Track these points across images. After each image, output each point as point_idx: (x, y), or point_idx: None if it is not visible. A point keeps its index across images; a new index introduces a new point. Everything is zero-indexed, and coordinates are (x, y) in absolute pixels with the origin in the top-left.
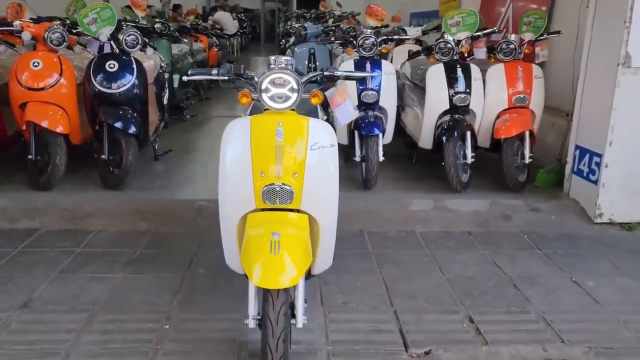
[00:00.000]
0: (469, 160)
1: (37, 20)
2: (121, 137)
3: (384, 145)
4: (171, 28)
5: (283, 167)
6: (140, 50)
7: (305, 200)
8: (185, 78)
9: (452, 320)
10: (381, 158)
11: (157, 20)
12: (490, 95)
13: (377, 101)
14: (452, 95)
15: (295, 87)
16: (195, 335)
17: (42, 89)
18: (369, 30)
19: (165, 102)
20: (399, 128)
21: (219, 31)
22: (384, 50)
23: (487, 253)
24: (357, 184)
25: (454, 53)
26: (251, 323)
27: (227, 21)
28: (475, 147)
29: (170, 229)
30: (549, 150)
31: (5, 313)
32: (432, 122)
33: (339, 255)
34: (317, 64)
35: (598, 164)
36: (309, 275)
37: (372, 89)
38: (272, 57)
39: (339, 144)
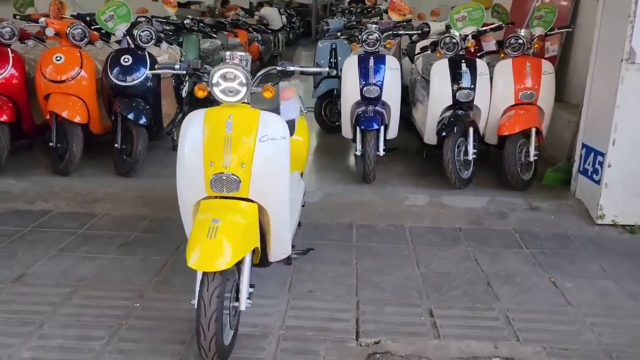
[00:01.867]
0: (471, 156)
1: (77, 17)
2: (132, 127)
3: (389, 140)
4: (200, 24)
5: (231, 158)
6: (155, 45)
7: (254, 190)
8: (148, 72)
9: (411, 313)
10: (381, 152)
11: (187, 16)
12: (497, 91)
13: (380, 96)
14: (456, 91)
15: (244, 81)
16: (161, 314)
17: (64, 81)
18: (374, 26)
19: (184, 94)
20: (412, 124)
21: (263, 26)
22: (388, 46)
23: (471, 250)
24: (357, 177)
25: (459, 48)
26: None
27: (273, 16)
28: (483, 143)
29: (168, 215)
30: (565, 149)
31: None
32: (436, 117)
33: (321, 245)
34: (339, 58)
35: (601, 164)
36: (266, 262)
37: (374, 84)
38: (228, 53)
39: (344, 137)
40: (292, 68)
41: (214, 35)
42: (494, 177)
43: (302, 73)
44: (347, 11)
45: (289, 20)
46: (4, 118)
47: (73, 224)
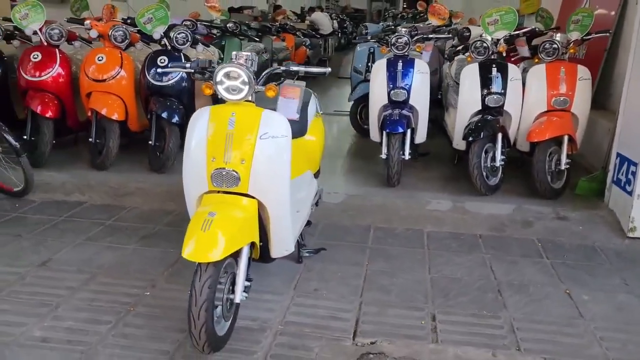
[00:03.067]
0: (498, 163)
1: (126, 21)
2: (166, 125)
3: (419, 145)
4: (243, 28)
5: (232, 154)
6: (191, 47)
7: (253, 186)
8: (160, 70)
9: (413, 316)
10: (407, 157)
11: (231, 20)
12: (530, 97)
13: (407, 100)
14: (485, 96)
15: (246, 80)
16: (167, 303)
17: (104, 80)
18: (404, 30)
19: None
20: (444, 128)
21: (313, 31)
22: (417, 50)
23: (488, 257)
24: (382, 181)
25: (490, 52)
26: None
27: (323, 21)
28: (516, 151)
29: None
30: (603, 158)
31: (25, 268)
32: (464, 122)
33: (336, 246)
34: None
35: (634, 174)
36: (268, 258)
37: (401, 88)
38: (234, 52)
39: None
40: (295, 68)
41: (256, 39)
42: (524, 184)
43: (306, 73)
44: (399, 16)
45: (340, 26)
46: (49, 114)
47: (103, 215)
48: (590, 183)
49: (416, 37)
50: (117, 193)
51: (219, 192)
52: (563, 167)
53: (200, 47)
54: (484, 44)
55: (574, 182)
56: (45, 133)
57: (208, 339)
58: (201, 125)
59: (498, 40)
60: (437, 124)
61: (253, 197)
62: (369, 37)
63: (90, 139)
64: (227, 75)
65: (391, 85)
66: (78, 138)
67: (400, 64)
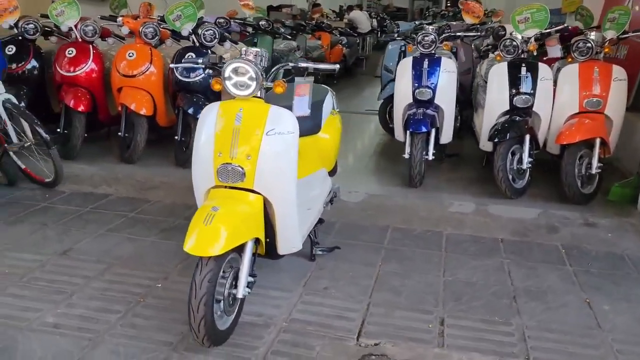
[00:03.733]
0: (525, 165)
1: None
2: (192, 121)
3: (445, 145)
4: (276, 26)
5: (238, 149)
6: (219, 43)
7: (258, 182)
8: (172, 65)
9: (421, 319)
10: (430, 157)
11: (263, 17)
12: (561, 98)
13: (432, 99)
14: (514, 96)
15: (254, 76)
16: (177, 295)
17: (134, 76)
18: (432, 28)
19: None
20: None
21: (350, 29)
22: (445, 48)
23: (507, 262)
24: (404, 181)
25: (520, 51)
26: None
27: (361, 20)
28: (546, 152)
29: None
30: None
31: (47, 256)
32: (491, 123)
33: (351, 245)
34: None
35: None
36: (275, 255)
37: (427, 87)
38: (244, 48)
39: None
40: (304, 64)
41: (289, 37)
42: (552, 189)
43: (315, 69)
44: (440, 14)
45: (380, 24)
46: (81, 108)
47: (126, 207)
48: (623, 189)
49: (443, 36)
50: (143, 186)
51: (226, 187)
52: (594, 171)
53: (228, 44)
54: (514, 43)
55: (607, 187)
56: (76, 126)
57: (207, 332)
58: (210, 120)
59: (529, 38)
60: (467, 124)
61: (259, 193)
62: (395, 35)
63: (119, 133)
64: (235, 71)
65: (416, 84)
66: (110, 132)
67: (426, 63)
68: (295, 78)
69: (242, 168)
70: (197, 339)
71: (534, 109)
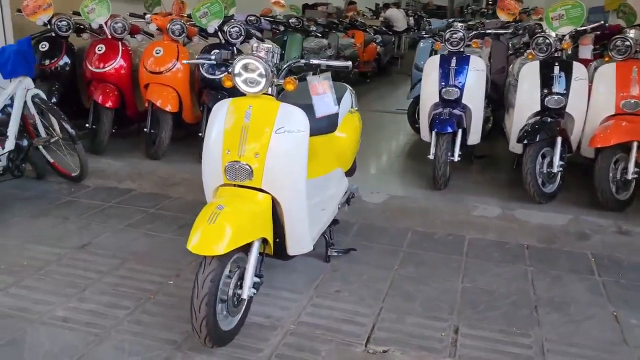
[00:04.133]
0: (556, 169)
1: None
2: None
3: (473, 146)
4: (305, 23)
5: (246, 147)
6: (245, 41)
7: (266, 181)
8: (184, 62)
9: (434, 327)
10: (456, 158)
11: (293, 15)
12: (596, 98)
13: (460, 99)
14: (545, 96)
15: (264, 72)
16: (187, 293)
17: (161, 72)
18: (460, 25)
19: None
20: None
21: (386, 28)
22: (474, 46)
23: (531, 270)
24: (429, 182)
25: (553, 50)
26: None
27: (398, 18)
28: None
29: None
30: None
31: (65, 250)
32: (521, 124)
33: (368, 247)
34: None
35: None
36: (285, 255)
37: (454, 86)
38: (255, 44)
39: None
40: (315, 61)
41: (319, 34)
42: (585, 194)
43: (327, 67)
44: (479, 12)
45: (417, 22)
46: (109, 104)
47: (148, 203)
48: None
49: (473, 33)
50: (165, 182)
51: (234, 185)
52: (630, 176)
53: (254, 41)
54: (546, 40)
55: None
56: (104, 122)
57: (209, 333)
58: (221, 117)
59: (563, 36)
60: (500, 125)
61: (268, 192)
62: (423, 33)
63: (145, 129)
64: (245, 68)
65: (443, 83)
66: (140, 128)
67: (454, 61)
68: (307, 76)
69: (250, 166)
70: (200, 339)
71: (566, 110)
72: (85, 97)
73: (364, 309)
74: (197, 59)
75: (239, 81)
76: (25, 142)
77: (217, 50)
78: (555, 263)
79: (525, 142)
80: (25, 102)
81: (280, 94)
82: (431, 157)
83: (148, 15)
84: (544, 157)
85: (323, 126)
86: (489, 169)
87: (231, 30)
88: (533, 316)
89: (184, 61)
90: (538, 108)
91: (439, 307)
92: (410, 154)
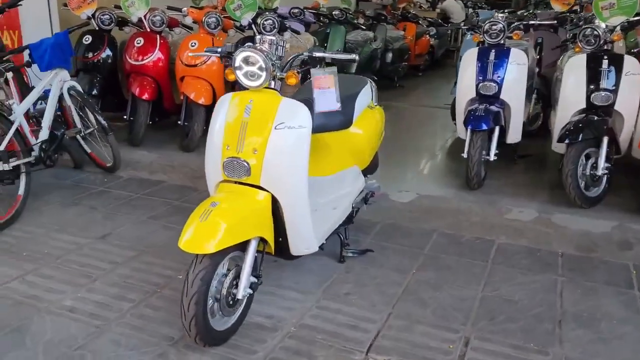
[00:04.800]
0: (601, 171)
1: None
2: None
3: (516, 145)
4: (349, 15)
5: (245, 143)
6: (278, 33)
7: (265, 178)
8: (190, 54)
9: (442, 337)
10: (492, 157)
11: (337, 7)
12: None
13: (498, 94)
14: (591, 92)
15: (264, 66)
16: None
17: (196, 65)
18: (501, 15)
19: None
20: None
21: (442, 20)
22: (515, 37)
23: (563, 280)
24: (463, 183)
25: (602, 42)
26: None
27: (455, 10)
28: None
29: None
30: None
31: (86, 239)
32: (565, 122)
33: (387, 248)
34: None
35: None
36: (289, 255)
37: (493, 80)
38: (258, 36)
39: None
40: (319, 54)
41: (363, 27)
42: (635, 199)
43: (332, 59)
44: (542, 2)
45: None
46: (145, 96)
47: (175, 195)
48: None
49: (514, 24)
50: (195, 175)
51: (235, 182)
52: None
53: (288, 34)
54: (595, 32)
55: None
56: (141, 114)
57: (199, 332)
58: (223, 111)
59: (614, 27)
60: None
61: (267, 190)
62: (462, 24)
63: (179, 122)
64: (246, 61)
65: (480, 78)
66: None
67: (492, 54)
68: (311, 70)
69: (247, 163)
70: (190, 338)
71: (615, 107)
72: (126, 90)
73: (371, 314)
74: (205, 51)
75: (239, 74)
76: (58, 133)
77: (250, 43)
78: (590, 274)
79: (567, 141)
80: (62, 94)
81: (297, 90)
82: (465, 155)
83: (185, 9)
84: (588, 158)
85: (337, 122)
86: (532, 169)
87: (264, 22)
88: (555, 332)
89: (190, 53)
90: (583, 105)
91: (453, 316)
92: (450, 152)
